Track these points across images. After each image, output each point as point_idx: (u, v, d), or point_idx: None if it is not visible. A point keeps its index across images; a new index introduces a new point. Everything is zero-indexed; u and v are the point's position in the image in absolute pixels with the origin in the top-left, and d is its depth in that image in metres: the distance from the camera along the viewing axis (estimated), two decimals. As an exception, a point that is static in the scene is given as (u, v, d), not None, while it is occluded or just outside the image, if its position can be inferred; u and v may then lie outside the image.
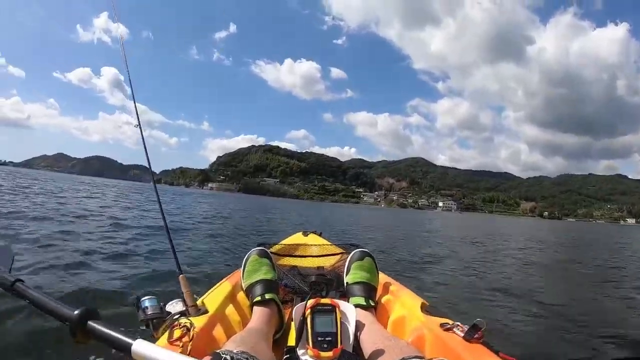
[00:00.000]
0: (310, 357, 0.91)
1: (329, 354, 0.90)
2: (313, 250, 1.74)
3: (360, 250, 1.38)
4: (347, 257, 1.39)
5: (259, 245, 1.44)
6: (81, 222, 6.60)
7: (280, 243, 1.88)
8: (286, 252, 1.70)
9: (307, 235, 2.33)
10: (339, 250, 1.72)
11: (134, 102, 1.93)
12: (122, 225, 7.00)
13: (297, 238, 2.27)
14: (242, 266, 1.35)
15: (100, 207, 10.51)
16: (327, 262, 1.66)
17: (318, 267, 1.60)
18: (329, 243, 1.96)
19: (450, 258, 6.66)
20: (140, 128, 1.88)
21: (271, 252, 1.45)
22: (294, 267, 1.59)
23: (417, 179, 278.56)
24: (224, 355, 0.73)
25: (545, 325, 3.01)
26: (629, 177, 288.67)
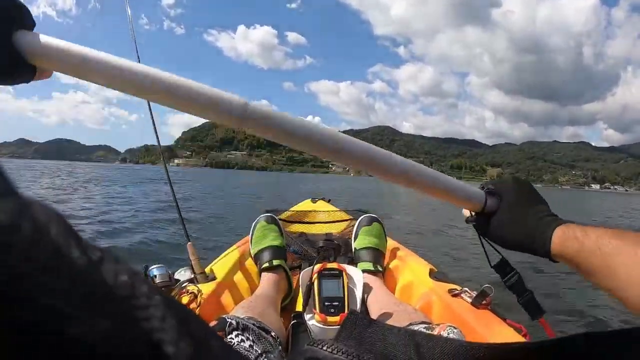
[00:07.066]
0: (317, 322, 0.89)
1: (336, 318, 0.88)
2: (321, 216, 1.72)
3: (368, 216, 1.35)
4: (355, 223, 1.36)
5: (267, 212, 1.39)
6: (83, 195, 6.39)
7: (288, 210, 1.86)
8: (294, 219, 1.69)
9: (315, 202, 2.29)
10: (347, 216, 1.69)
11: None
12: (129, 197, 6.92)
13: (305, 205, 2.25)
14: (250, 233, 1.32)
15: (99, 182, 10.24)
16: (336, 229, 1.64)
17: (326, 234, 1.57)
18: (338, 209, 1.94)
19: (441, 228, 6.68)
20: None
21: (280, 219, 1.42)
22: (302, 234, 1.57)
23: (384, 147, 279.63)
24: (229, 320, 0.72)
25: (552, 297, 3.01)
26: (593, 144, 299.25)
